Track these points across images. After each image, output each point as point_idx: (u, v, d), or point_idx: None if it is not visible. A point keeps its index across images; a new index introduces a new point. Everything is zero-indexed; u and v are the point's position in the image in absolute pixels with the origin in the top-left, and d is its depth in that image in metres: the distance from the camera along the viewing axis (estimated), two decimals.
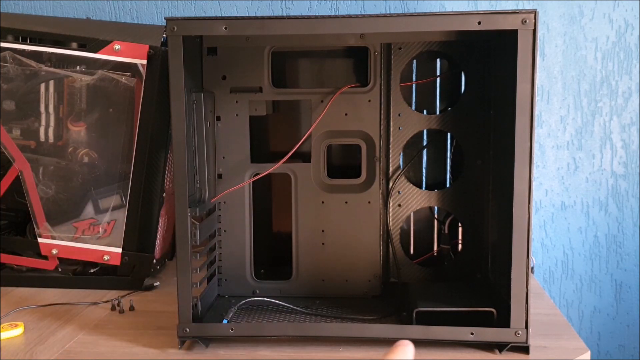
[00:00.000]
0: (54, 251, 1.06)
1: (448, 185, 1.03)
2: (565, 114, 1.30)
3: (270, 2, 1.32)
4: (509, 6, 1.27)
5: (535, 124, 0.76)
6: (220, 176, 0.97)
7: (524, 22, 0.74)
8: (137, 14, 1.35)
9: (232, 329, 0.82)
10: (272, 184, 1.04)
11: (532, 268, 1.02)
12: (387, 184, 0.97)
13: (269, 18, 0.76)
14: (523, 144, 0.76)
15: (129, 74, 1.01)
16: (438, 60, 1.01)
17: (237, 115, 0.96)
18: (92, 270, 1.09)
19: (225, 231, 0.97)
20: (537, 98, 0.79)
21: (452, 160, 1.03)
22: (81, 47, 1.02)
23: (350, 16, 0.76)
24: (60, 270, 1.09)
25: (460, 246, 1.01)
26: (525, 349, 0.79)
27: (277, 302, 0.92)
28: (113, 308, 0.97)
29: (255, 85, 0.95)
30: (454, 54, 0.96)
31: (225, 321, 0.85)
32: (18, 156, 1.04)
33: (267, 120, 1.01)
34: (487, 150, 0.95)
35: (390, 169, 0.97)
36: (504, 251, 0.83)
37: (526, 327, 0.78)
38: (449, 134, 1.01)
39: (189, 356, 0.81)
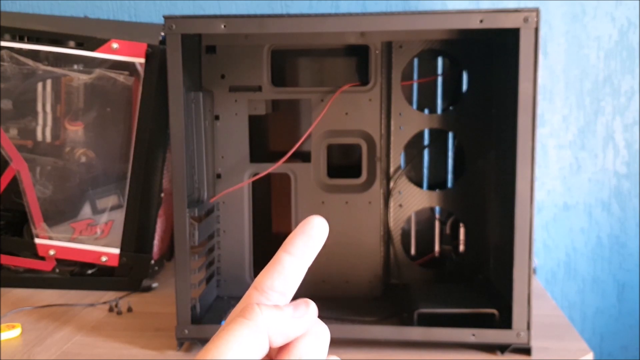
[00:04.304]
0: (52, 252, 1.06)
1: (449, 185, 1.03)
2: (568, 113, 1.29)
3: (270, 0, 1.31)
4: (511, 4, 1.27)
5: (538, 123, 0.76)
6: (219, 176, 0.96)
7: (526, 20, 0.74)
8: (135, 12, 1.34)
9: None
10: (271, 184, 1.03)
11: (535, 269, 1.01)
12: (388, 184, 0.97)
13: (269, 16, 0.76)
14: (525, 144, 0.75)
15: (126, 72, 1.00)
16: (439, 58, 1.01)
17: (236, 114, 0.95)
18: (89, 271, 1.08)
19: (224, 232, 0.97)
20: (539, 97, 0.79)
21: (453, 159, 1.02)
22: (79, 46, 1.01)
23: (350, 14, 0.76)
24: (57, 271, 1.08)
25: (461, 247, 1.01)
26: (527, 351, 0.79)
27: None
28: (111, 309, 0.97)
29: (255, 84, 0.94)
30: (456, 52, 0.95)
31: (224, 322, 0.84)
32: (15, 156, 1.04)
33: (266, 120, 1.00)
34: (489, 150, 0.94)
35: (391, 169, 0.97)
36: (506, 252, 0.82)
37: (528, 328, 0.78)
38: (450, 134, 1.00)
39: (188, 357, 0.80)
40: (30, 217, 1.05)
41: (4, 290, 1.06)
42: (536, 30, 0.74)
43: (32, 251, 1.07)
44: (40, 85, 1.02)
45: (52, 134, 1.03)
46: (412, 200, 0.97)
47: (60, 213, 1.05)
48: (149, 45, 0.99)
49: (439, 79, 1.01)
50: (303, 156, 0.96)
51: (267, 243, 1.04)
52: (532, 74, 0.75)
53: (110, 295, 1.02)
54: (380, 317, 0.87)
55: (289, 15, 0.79)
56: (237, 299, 1.05)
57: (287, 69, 0.99)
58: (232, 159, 0.96)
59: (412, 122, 0.95)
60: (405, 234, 1.02)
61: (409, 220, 1.03)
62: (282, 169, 0.94)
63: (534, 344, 0.78)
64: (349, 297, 0.96)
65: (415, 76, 1.00)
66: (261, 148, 0.99)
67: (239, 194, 0.96)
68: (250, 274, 0.97)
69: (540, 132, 1.29)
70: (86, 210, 1.04)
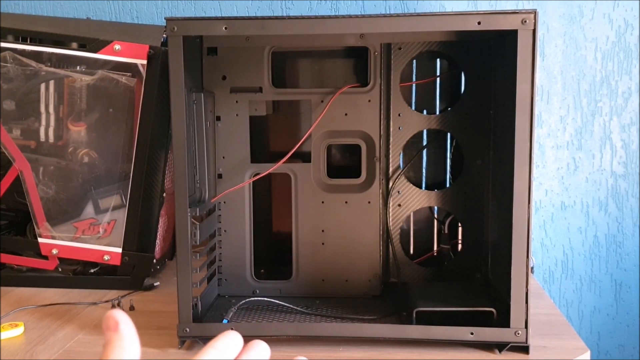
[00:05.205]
0: (54, 251, 1.06)
1: (448, 185, 1.03)
2: (565, 114, 1.30)
3: (270, 2, 1.32)
4: (509, 6, 1.27)
5: (535, 123, 0.76)
6: (220, 176, 0.97)
7: (523, 22, 0.74)
8: (137, 14, 1.35)
9: (232, 329, 0.82)
10: (272, 184, 1.04)
11: (532, 268, 1.02)
12: (387, 184, 0.98)
13: (269, 18, 0.76)
14: (523, 144, 0.76)
15: (129, 74, 1.01)
16: (438, 60, 1.01)
17: (237, 115, 0.96)
18: (92, 270, 1.09)
19: (225, 231, 0.97)
20: (537, 98, 0.79)
21: (452, 160, 1.03)
22: (81, 47, 1.02)
23: (350, 16, 0.77)
24: (60, 270, 1.09)
25: (460, 246, 1.01)
26: (525, 349, 0.79)
27: (277, 302, 0.92)
28: (113, 308, 0.97)
29: (255, 85, 0.95)
30: (454, 54, 0.96)
31: (225, 321, 0.85)
32: (18, 156, 1.04)
33: (267, 120, 1.01)
34: (487, 150, 0.95)
35: (390, 169, 0.97)
36: (503, 251, 0.83)
37: (526, 326, 0.78)
38: (448, 134, 1.01)
39: (189, 356, 0.81)
40: (34, 216, 1.06)
41: (7, 289, 1.07)
42: (534, 31, 0.74)
43: (35, 250, 1.08)
44: (43, 86, 1.03)
45: (55, 134, 1.04)
46: (410, 200, 0.98)
47: (63, 213, 1.05)
48: (150, 47, 1.00)
49: (438, 80, 1.02)
50: (303, 156, 0.97)
51: (267, 242, 1.04)
52: (529, 75, 0.75)
53: (112, 294, 1.03)
54: (379, 316, 0.88)
55: (290, 17, 0.80)
56: (238, 297, 1.06)
57: (287, 71, 1.00)
58: (233, 159, 0.96)
59: (411, 122, 0.96)
60: (404, 234, 1.03)
61: (407, 219, 1.03)
62: (283, 169, 0.95)
63: (532, 343, 0.79)
64: (348, 295, 0.97)
65: (414, 77, 1.01)
66: (262, 148, 1.00)
67: (239, 193, 0.97)
68: (251, 273, 0.98)
69: (537, 132, 1.30)
70: (89, 209, 1.05)
